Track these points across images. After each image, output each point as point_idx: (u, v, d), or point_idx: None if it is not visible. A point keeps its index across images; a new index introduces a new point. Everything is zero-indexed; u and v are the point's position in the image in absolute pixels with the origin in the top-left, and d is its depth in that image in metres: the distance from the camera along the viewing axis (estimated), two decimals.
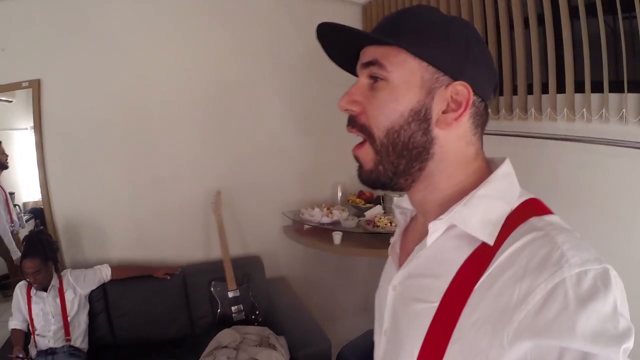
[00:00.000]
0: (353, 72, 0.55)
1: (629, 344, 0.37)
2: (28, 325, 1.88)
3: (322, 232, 2.27)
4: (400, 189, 0.54)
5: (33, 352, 1.85)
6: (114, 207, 2.26)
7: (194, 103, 2.33)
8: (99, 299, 2.06)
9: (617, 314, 0.38)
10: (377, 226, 2.14)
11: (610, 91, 1.28)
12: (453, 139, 0.50)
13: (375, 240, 2.14)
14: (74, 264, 2.18)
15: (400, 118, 0.49)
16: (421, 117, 0.49)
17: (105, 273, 2.06)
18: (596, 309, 0.37)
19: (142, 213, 2.31)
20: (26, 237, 1.88)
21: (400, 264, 0.57)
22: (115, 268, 2.10)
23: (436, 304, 0.47)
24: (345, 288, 2.81)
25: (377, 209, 2.31)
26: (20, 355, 1.75)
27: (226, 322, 2.12)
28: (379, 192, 2.43)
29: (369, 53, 0.50)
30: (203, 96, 2.34)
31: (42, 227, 2.09)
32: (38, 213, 2.20)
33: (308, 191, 2.64)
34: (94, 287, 2.03)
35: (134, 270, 2.18)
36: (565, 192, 1.47)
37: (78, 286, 1.96)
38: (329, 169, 2.65)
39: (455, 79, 0.48)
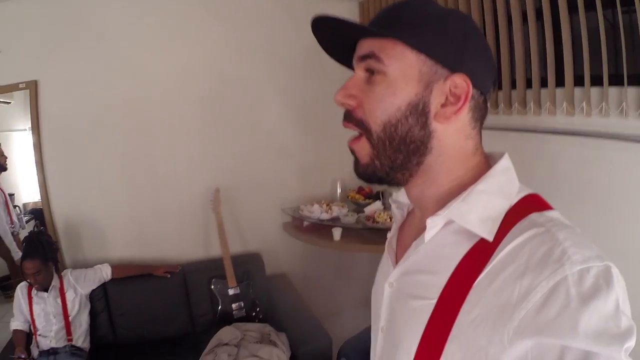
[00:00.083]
0: (350, 66, 0.54)
1: (631, 343, 0.36)
2: (30, 325, 1.88)
3: (321, 229, 2.27)
4: (397, 184, 0.52)
5: (35, 352, 1.86)
6: (113, 206, 2.26)
7: (192, 101, 2.32)
8: (99, 298, 2.07)
9: (619, 313, 0.37)
10: (377, 222, 2.14)
11: (610, 84, 1.27)
12: (452, 133, 0.49)
13: (375, 236, 2.14)
14: (74, 264, 2.19)
15: (397, 112, 0.47)
16: (419, 111, 0.48)
17: (105, 272, 2.07)
18: (598, 308, 0.36)
19: (142, 212, 2.31)
20: (26, 238, 1.88)
21: (397, 260, 0.56)
22: (115, 267, 2.11)
23: (434, 301, 0.47)
24: (345, 284, 2.81)
25: (377, 205, 2.31)
26: (23, 356, 1.76)
27: (227, 319, 2.13)
28: (379, 188, 2.42)
29: (366, 46, 0.49)
30: (201, 94, 2.33)
31: (41, 228, 2.09)
32: (38, 214, 2.20)
33: (307, 187, 2.64)
34: (94, 287, 2.03)
35: (134, 269, 2.19)
36: (565, 187, 1.46)
37: (79, 286, 1.97)
38: (328, 165, 2.64)
39: (453, 72, 0.47)
